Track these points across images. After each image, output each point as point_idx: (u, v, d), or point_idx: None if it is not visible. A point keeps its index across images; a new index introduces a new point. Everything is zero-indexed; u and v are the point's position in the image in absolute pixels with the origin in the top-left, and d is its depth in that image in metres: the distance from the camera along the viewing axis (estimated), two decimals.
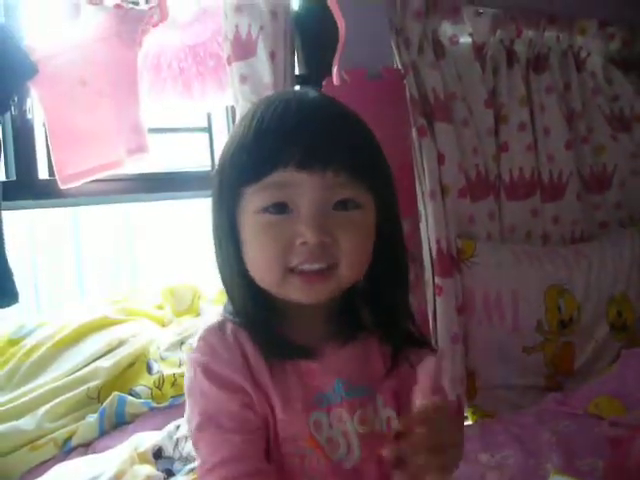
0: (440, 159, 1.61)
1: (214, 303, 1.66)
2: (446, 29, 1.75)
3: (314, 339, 0.69)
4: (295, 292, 0.65)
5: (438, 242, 1.56)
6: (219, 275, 0.70)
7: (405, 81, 1.54)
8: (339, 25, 1.44)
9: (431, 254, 1.57)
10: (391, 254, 0.71)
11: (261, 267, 0.65)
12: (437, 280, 1.56)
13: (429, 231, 1.57)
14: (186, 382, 0.68)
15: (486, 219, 1.71)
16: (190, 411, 0.66)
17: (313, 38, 1.56)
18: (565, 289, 1.69)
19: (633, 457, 1.07)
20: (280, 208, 0.64)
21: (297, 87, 1.53)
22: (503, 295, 1.63)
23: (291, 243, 0.63)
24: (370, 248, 0.68)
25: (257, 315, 0.67)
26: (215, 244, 0.69)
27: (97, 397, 1.39)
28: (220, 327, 0.69)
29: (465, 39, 1.77)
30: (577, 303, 1.70)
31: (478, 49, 1.76)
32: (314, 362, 0.68)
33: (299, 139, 0.63)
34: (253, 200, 0.64)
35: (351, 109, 0.70)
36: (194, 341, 0.69)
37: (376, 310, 0.72)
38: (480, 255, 1.63)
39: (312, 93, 0.72)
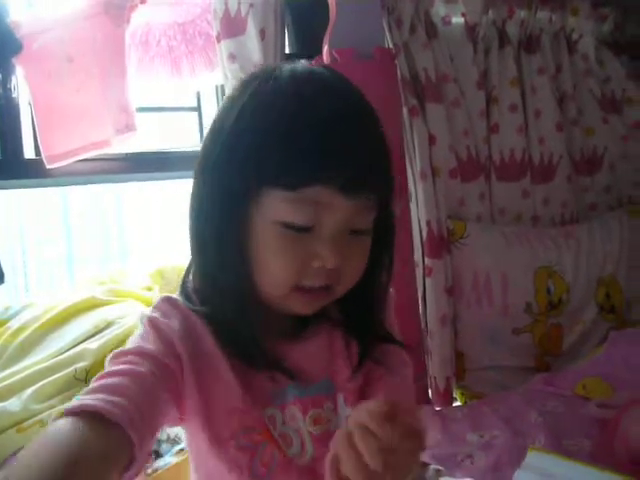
0: (431, 140, 1.60)
1: None
2: (438, 9, 1.73)
3: (276, 333, 0.67)
4: (295, 306, 0.65)
5: (428, 223, 1.56)
6: (202, 261, 0.66)
7: (396, 61, 1.53)
8: (330, 3, 1.42)
9: (421, 235, 1.57)
10: (380, 258, 0.69)
11: (270, 280, 0.63)
12: (427, 261, 1.56)
13: (419, 212, 1.57)
14: (137, 333, 0.65)
15: (476, 200, 1.71)
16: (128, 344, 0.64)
17: (303, 16, 1.54)
18: (554, 271, 1.70)
19: (620, 438, 1.08)
20: (305, 228, 0.60)
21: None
22: (493, 276, 1.63)
23: (307, 263, 0.61)
24: (363, 269, 0.67)
25: (246, 326, 0.64)
26: (211, 229, 0.63)
27: (84, 379, 1.38)
28: (177, 303, 0.67)
29: (457, 19, 1.75)
30: (566, 285, 1.71)
31: (470, 30, 1.74)
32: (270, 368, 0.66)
33: (348, 161, 0.59)
34: (278, 208, 0.60)
35: (373, 109, 0.66)
36: (156, 302, 0.68)
37: (347, 306, 0.70)
38: (470, 236, 1.63)
39: (343, 89, 0.65)
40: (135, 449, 0.52)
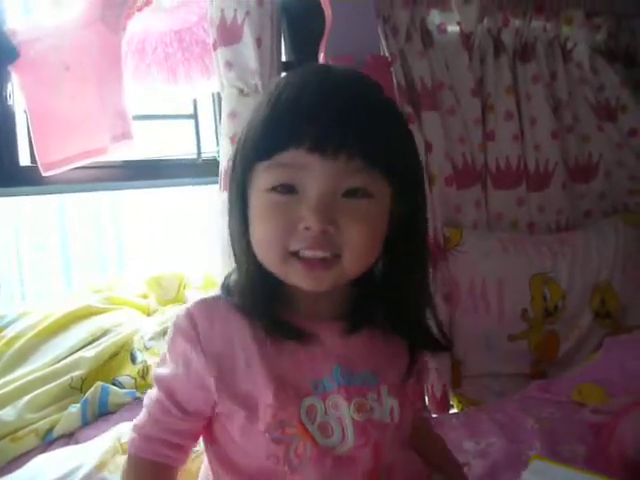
0: (427, 147, 1.61)
1: (200, 292, 1.65)
2: (434, 17, 1.74)
3: (317, 326, 0.68)
4: (295, 277, 0.64)
5: None
6: (232, 250, 0.71)
7: (392, 69, 1.54)
8: (326, 12, 1.43)
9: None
10: (409, 247, 0.69)
11: (263, 246, 0.65)
12: None
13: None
14: (168, 337, 0.70)
15: (472, 208, 1.72)
16: (163, 360, 0.70)
17: (300, 24, 1.55)
18: (550, 277, 1.70)
19: (615, 443, 1.08)
20: (288, 188, 0.62)
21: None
22: (489, 283, 1.63)
23: (294, 226, 0.62)
24: (379, 240, 0.66)
25: (258, 293, 0.66)
26: (228, 219, 0.70)
27: (80, 387, 1.37)
28: (209, 301, 0.69)
29: (453, 28, 1.76)
30: (562, 291, 1.71)
31: (466, 38, 1.76)
32: (314, 347, 0.67)
33: (314, 120, 0.60)
34: (263, 177, 0.64)
35: (380, 88, 0.67)
36: (181, 310, 0.70)
37: (389, 304, 0.70)
38: (466, 244, 1.63)
39: (339, 68, 0.68)
40: None
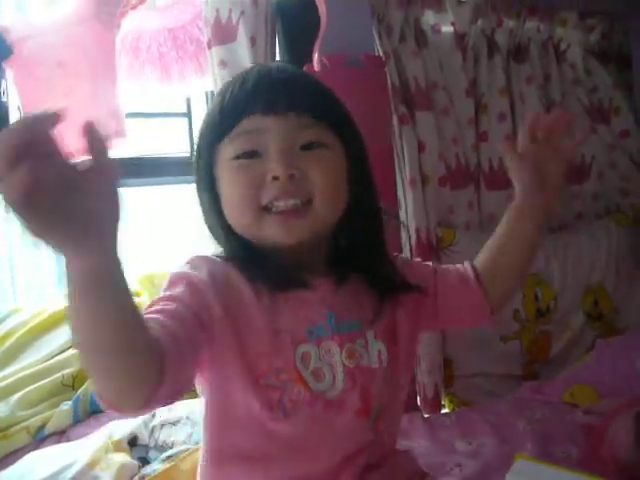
0: (420, 147, 1.61)
1: None
2: (428, 18, 1.74)
3: (308, 277, 0.71)
4: (272, 232, 0.68)
5: (417, 230, 1.56)
6: (209, 231, 0.75)
7: (386, 69, 1.54)
8: (320, 11, 1.43)
9: (410, 242, 1.57)
10: (363, 200, 0.74)
11: (235, 209, 0.69)
12: None
13: (408, 219, 1.57)
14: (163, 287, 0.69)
15: (465, 208, 1.72)
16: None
17: (294, 24, 1.54)
18: (542, 278, 1.71)
19: (606, 444, 1.09)
20: (251, 154, 0.68)
21: None
22: None
23: (262, 181, 0.67)
24: (343, 185, 0.72)
25: (247, 255, 0.70)
26: (199, 202, 0.74)
27: (72, 385, 1.37)
28: (206, 256, 0.72)
29: (447, 28, 1.77)
30: (554, 292, 1.72)
31: (459, 38, 1.76)
32: (307, 292, 0.69)
33: (262, 89, 0.69)
34: (226, 150, 0.69)
35: (313, 78, 0.77)
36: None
37: (357, 255, 0.75)
38: (459, 244, 1.64)
39: (290, 67, 0.77)
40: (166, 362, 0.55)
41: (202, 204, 0.74)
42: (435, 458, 1.15)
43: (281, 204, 0.67)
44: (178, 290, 0.65)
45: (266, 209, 0.67)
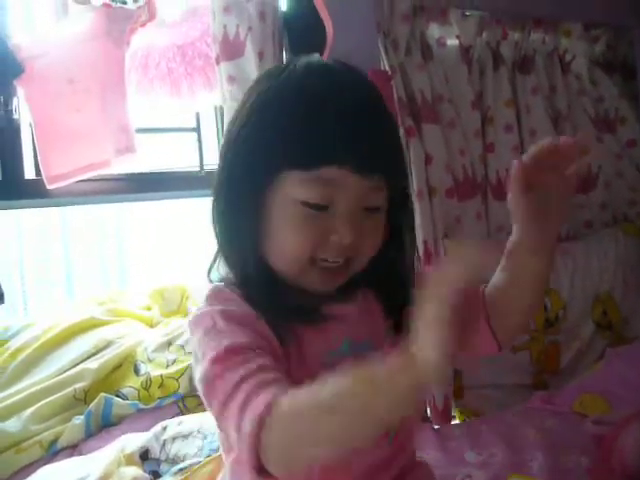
0: (427, 160, 1.62)
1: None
2: (433, 31, 1.76)
3: (318, 300, 0.70)
4: (313, 282, 0.67)
5: (425, 242, 1.57)
6: (223, 244, 0.69)
7: (392, 83, 1.55)
8: (327, 26, 1.45)
9: (418, 254, 1.58)
10: (401, 235, 0.73)
11: (286, 256, 0.66)
12: None
13: (416, 231, 1.58)
14: (199, 336, 0.63)
15: (473, 219, 1.72)
16: (205, 355, 0.61)
17: (301, 39, 1.56)
18: (551, 288, 1.71)
19: (616, 454, 1.09)
20: (320, 207, 0.64)
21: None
22: None
23: (324, 238, 0.65)
24: (381, 239, 0.70)
25: (264, 287, 0.67)
26: (227, 211, 0.68)
27: (84, 399, 1.38)
28: (223, 288, 0.68)
29: (452, 41, 1.78)
30: (563, 302, 1.72)
31: (465, 51, 1.77)
32: (325, 322, 0.69)
33: (361, 140, 0.63)
34: (295, 188, 0.64)
35: (382, 97, 0.70)
36: (202, 302, 0.68)
37: (376, 271, 0.73)
38: None
39: (351, 76, 0.69)
40: None
41: (231, 221, 0.68)
42: (446, 469, 1.15)
43: (329, 261, 0.66)
44: (243, 337, 0.61)
45: (313, 260, 0.66)
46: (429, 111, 1.65)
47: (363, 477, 0.69)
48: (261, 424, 0.53)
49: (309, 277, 0.67)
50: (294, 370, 0.65)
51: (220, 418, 0.59)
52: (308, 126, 0.63)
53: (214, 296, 0.67)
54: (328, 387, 0.53)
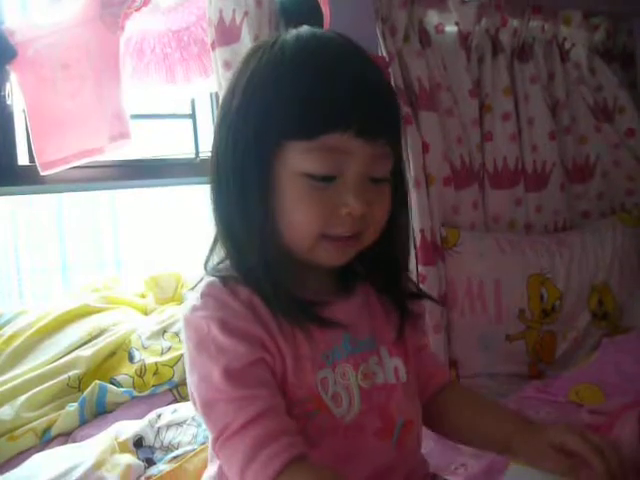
0: (425, 148, 1.61)
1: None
2: (432, 18, 1.74)
3: (320, 294, 0.69)
4: (325, 256, 0.66)
5: (422, 231, 1.56)
6: (227, 225, 0.67)
7: (390, 69, 1.53)
8: (324, 12, 1.43)
9: (415, 242, 1.57)
10: (396, 213, 0.72)
11: (298, 231, 0.64)
12: (420, 268, 1.56)
13: (413, 220, 1.57)
14: (194, 343, 0.63)
15: (470, 208, 1.72)
16: (201, 370, 0.62)
17: (298, 24, 1.53)
18: (547, 278, 1.70)
19: None
20: (327, 178, 0.63)
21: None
22: (486, 283, 1.64)
23: (334, 212, 0.63)
24: (388, 214, 0.70)
25: (272, 274, 0.65)
26: (231, 189, 0.65)
27: (78, 386, 1.37)
28: (223, 281, 0.66)
29: (451, 28, 1.76)
30: (559, 292, 1.71)
31: (463, 38, 1.76)
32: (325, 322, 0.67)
33: (362, 103, 0.62)
34: (300, 160, 0.62)
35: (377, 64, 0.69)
36: (194, 299, 0.66)
37: (376, 263, 0.73)
38: (464, 244, 1.64)
39: (349, 45, 0.68)
40: None
41: (241, 199, 0.64)
42: (440, 458, 1.15)
43: (340, 233, 0.64)
44: (239, 353, 0.61)
45: (323, 236, 0.64)
46: (427, 99, 1.64)
47: (374, 473, 0.67)
48: None
49: (320, 252, 0.65)
50: (291, 369, 0.64)
51: (218, 446, 0.60)
52: (307, 93, 0.61)
53: (209, 297, 0.65)
54: None
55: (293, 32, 0.68)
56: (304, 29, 0.68)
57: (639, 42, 1.90)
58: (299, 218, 0.63)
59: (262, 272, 0.64)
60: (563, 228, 1.88)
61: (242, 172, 0.64)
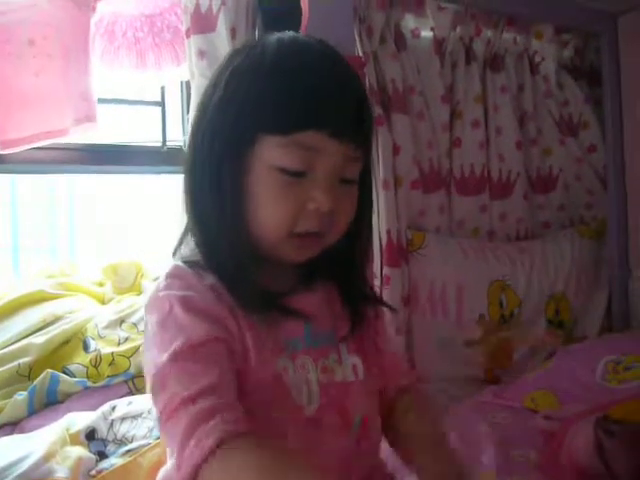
0: (395, 150, 1.62)
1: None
2: (408, 22, 1.76)
3: (283, 285, 0.70)
4: (288, 253, 0.67)
5: (388, 232, 1.57)
6: (199, 214, 0.68)
7: (365, 70, 1.54)
8: (302, 7, 1.42)
9: (380, 243, 1.58)
10: (361, 216, 0.73)
11: (269, 225, 0.65)
12: (385, 270, 1.56)
13: (380, 220, 1.58)
14: (155, 320, 0.64)
15: (436, 212, 1.73)
16: (159, 346, 0.62)
17: (275, 18, 1.52)
18: (507, 285, 1.73)
19: (565, 450, 1.11)
20: (298, 173, 0.64)
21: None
22: (448, 287, 1.65)
23: (303, 207, 0.64)
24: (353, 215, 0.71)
25: (241, 265, 0.66)
26: (206, 178, 0.66)
27: (28, 375, 1.32)
28: (190, 267, 0.67)
29: (426, 33, 1.78)
30: (518, 299, 1.75)
31: (438, 44, 1.77)
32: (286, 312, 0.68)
33: (337, 106, 0.64)
34: (273, 153, 0.63)
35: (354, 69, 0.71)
36: (161, 281, 0.67)
37: (336, 262, 0.74)
38: (429, 247, 1.65)
39: (328, 49, 0.69)
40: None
41: (209, 193, 0.66)
42: (398, 460, 1.15)
43: (307, 229, 0.66)
44: (199, 331, 0.61)
45: (291, 233, 0.66)
46: (399, 101, 1.65)
47: (334, 469, 0.67)
48: (200, 467, 0.54)
49: (286, 248, 0.67)
50: (254, 353, 0.64)
51: (162, 420, 0.59)
52: (287, 90, 0.63)
53: (174, 277, 0.66)
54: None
55: (275, 35, 0.70)
56: (287, 33, 0.71)
57: (606, 60, 1.95)
58: (269, 213, 0.65)
59: (230, 262, 0.66)
60: (525, 237, 1.91)
61: (218, 162, 0.65)
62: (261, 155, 0.64)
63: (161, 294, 0.65)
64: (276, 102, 0.63)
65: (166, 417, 0.58)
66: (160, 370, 0.60)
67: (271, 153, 0.63)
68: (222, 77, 0.68)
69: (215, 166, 0.65)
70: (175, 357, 0.60)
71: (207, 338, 0.61)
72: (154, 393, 0.61)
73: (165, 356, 0.60)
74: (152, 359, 0.62)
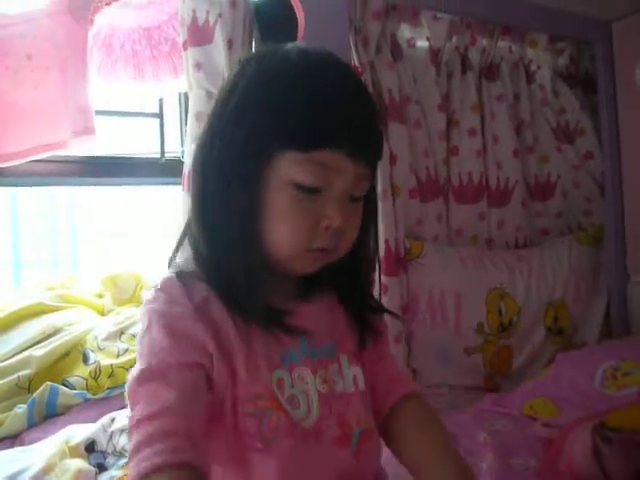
0: (392, 159, 1.63)
1: None
2: (404, 32, 1.77)
3: (283, 296, 0.69)
4: (300, 266, 0.68)
5: (387, 241, 1.57)
6: (206, 225, 0.67)
7: (362, 80, 1.54)
8: (299, 19, 1.43)
9: (378, 253, 1.58)
10: (367, 230, 0.74)
11: (285, 241, 0.65)
12: (383, 279, 1.57)
13: (378, 230, 1.58)
14: (139, 331, 0.65)
15: (434, 221, 1.74)
16: (137, 358, 0.63)
17: (272, 30, 1.54)
18: (506, 293, 1.74)
19: (564, 457, 1.11)
20: (314, 190, 0.65)
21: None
22: (447, 296, 1.66)
23: (316, 225, 0.65)
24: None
25: (251, 279, 0.65)
26: (219, 188, 0.65)
27: (27, 387, 1.33)
28: (180, 278, 0.66)
29: (422, 43, 1.79)
30: (517, 307, 1.75)
31: (434, 53, 1.79)
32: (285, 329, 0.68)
33: (354, 127, 0.64)
34: (291, 169, 0.63)
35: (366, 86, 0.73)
36: (150, 292, 0.67)
37: (339, 273, 0.73)
38: (427, 256, 1.65)
39: (341, 65, 0.69)
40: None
41: (222, 206, 0.65)
42: (398, 469, 1.15)
43: (320, 246, 0.66)
44: (168, 354, 0.61)
45: (308, 250, 0.66)
46: (396, 110, 1.65)
47: None
48: None
49: (300, 261, 0.67)
50: (243, 366, 0.64)
51: (130, 426, 0.60)
52: (311, 107, 0.62)
53: (162, 291, 0.66)
54: None
55: (289, 46, 0.69)
56: (298, 44, 0.72)
57: (601, 67, 1.96)
58: (285, 229, 0.65)
59: (240, 276, 0.65)
60: (523, 244, 1.92)
61: (230, 174, 0.65)
62: (276, 168, 0.64)
63: (147, 307, 0.65)
64: (297, 120, 0.62)
65: (128, 432, 0.60)
66: (130, 384, 0.62)
67: (287, 168, 0.63)
68: (238, 88, 0.67)
69: (227, 178, 0.65)
70: (142, 376, 0.61)
71: (178, 362, 0.61)
72: (129, 399, 0.62)
73: (135, 372, 0.62)
74: (133, 371, 0.63)
